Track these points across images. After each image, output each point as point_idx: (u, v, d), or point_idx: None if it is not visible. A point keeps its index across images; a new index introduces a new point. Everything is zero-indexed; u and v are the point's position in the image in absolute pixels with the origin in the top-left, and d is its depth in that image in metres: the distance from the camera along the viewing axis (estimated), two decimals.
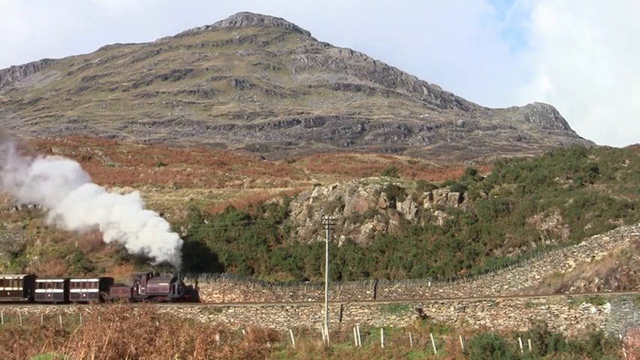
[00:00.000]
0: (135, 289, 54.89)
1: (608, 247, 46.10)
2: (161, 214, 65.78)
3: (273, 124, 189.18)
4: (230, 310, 49.66)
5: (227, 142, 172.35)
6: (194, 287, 56.59)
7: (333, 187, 68.32)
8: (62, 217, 64.27)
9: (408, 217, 62.42)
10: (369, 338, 42.17)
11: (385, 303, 46.99)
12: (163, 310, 47.14)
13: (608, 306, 39.32)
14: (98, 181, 73.90)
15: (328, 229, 49.33)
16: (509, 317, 42.16)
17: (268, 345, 40.03)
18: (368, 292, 52.96)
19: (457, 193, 63.88)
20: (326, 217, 51.23)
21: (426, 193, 64.37)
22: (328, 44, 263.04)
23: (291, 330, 44.45)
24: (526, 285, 48.60)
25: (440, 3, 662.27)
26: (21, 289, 56.44)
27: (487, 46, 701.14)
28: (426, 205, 63.37)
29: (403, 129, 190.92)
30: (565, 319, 40.45)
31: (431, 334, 40.26)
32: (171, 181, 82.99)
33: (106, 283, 56.01)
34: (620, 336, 36.24)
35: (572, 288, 44.51)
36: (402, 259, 57.26)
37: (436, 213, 62.10)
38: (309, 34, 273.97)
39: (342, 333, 43.97)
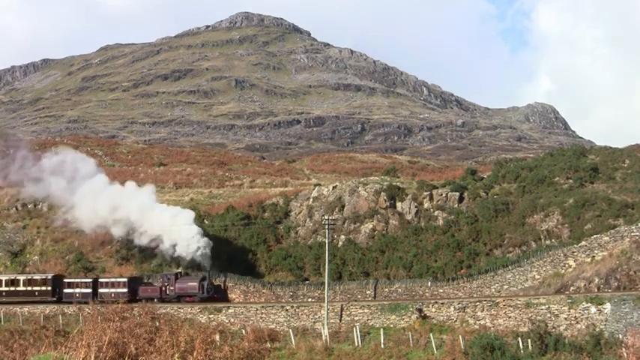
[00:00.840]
0: (163, 288, 54.34)
1: (608, 247, 46.10)
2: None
3: (273, 124, 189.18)
4: (230, 310, 49.67)
5: (227, 142, 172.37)
6: (223, 287, 55.61)
7: (333, 187, 68.32)
8: (77, 214, 63.36)
9: (408, 217, 62.43)
10: (369, 338, 42.17)
11: (385, 303, 46.99)
12: (163, 310, 47.14)
13: (608, 306, 39.33)
14: None
15: (328, 229, 49.34)
16: (509, 317, 42.17)
17: (268, 345, 40.03)
18: (368, 292, 52.95)
19: (457, 193, 63.89)
20: (326, 217, 51.23)
21: (426, 193, 64.37)
22: (328, 44, 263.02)
23: (291, 330, 44.46)
24: (526, 285, 48.59)
25: (441, 3, 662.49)
26: (49, 288, 55.65)
27: (488, 46, 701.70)
28: (426, 205, 63.38)
29: (403, 129, 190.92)
30: (565, 319, 40.45)
31: (431, 334, 40.27)
32: (171, 181, 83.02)
33: (134, 283, 55.28)
34: (620, 336, 36.24)
35: (572, 288, 44.51)
36: (402, 259, 57.27)
37: (436, 213, 62.11)
38: (309, 34, 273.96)
39: (342, 333, 43.97)
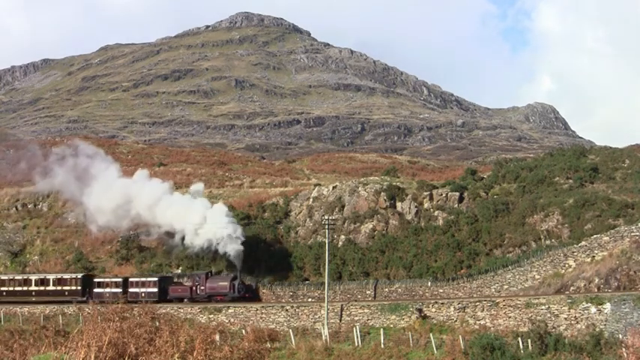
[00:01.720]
0: (194, 288, 53.79)
1: (608, 247, 46.10)
2: None
3: (273, 124, 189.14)
4: (230, 310, 49.68)
5: (227, 142, 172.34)
6: (254, 286, 54.85)
7: (333, 187, 68.32)
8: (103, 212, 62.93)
9: (408, 217, 62.43)
10: (369, 338, 42.19)
11: (385, 303, 47.01)
12: (163, 310, 47.12)
13: (608, 306, 39.33)
14: None
15: (328, 229, 49.35)
16: (509, 317, 42.17)
17: (268, 345, 40.00)
18: (368, 292, 52.97)
19: (457, 193, 63.88)
20: (326, 217, 51.25)
21: (426, 193, 64.37)
22: (328, 44, 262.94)
23: (291, 330, 44.47)
24: (526, 285, 48.60)
25: (441, 3, 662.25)
26: (79, 288, 55.29)
27: (488, 46, 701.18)
28: (426, 205, 63.37)
29: (403, 129, 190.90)
30: (565, 319, 40.46)
31: (431, 334, 40.28)
32: (171, 181, 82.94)
33: (165, 283, 54.86)
34: (620, 336, 36.24)
35: (572, 288, 44.52)
36: (402, 259, 57.28)
37: (436, 213, 62.11)
38: (309, 34, 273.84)
39: (342, 333, 43.99)
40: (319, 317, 46.73)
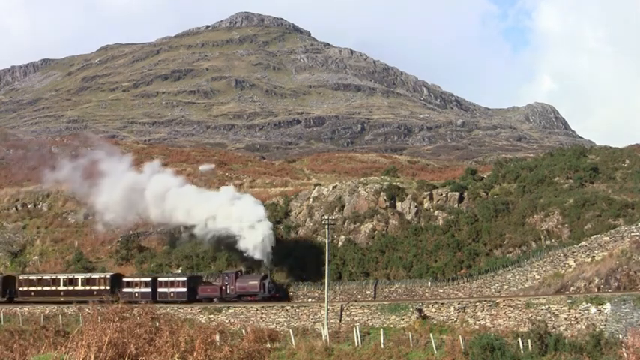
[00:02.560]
0: (224, 287, 53.23)
1: (608, 247, 46.10)
2: None
3: (273, 124, 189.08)
4: (230, 310, 49.69)
5: (227, 142, 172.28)
6: (284, 286, 54.41)
7: (333, 187, 68.33)
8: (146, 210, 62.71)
9: (408, 217, 62.43)
10: (369, 338, 42.19)
11: (385, 303, 47.01)
12: (163, 310, 47.11)
13: (608, 306, 39.33)
14: None
15: (328, 229, 49.34)
16: (509, 317, 42.17)
17: (268, 345, 39.99)
18: (368, 292, 52.97)
19: (457, 193, 63.89)
20: (326, 217, 51.22)
21: (426, 193, 64.37)
22: (328, 44, 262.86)
23: (291, 330, 44.48)
24: (526, 285, 48.60)
25: (442, 3, 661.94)
26: (108, 287, 54.73)
27: (489, 46, 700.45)
28: (426, 205, 63.37)
29: (403, 129, 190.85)
30: (565, 319, 40.46)
31: (431, 334, 40.27)
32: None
33: (194, 282, 54.40)
34: (620, 336, 36.24)
35: (572, 288, 44.51)
36: (402, 259, 57.28)
37: (436, 213, 62.11)
38: (309, 34, 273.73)
39: (342, 333, 43.99)
40: (319, 317, 46.74)
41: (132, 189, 60.96)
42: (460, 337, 38.88)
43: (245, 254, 55.86)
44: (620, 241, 45.67)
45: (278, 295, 52.70)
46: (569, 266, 47.29)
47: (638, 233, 45.24)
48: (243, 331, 42.96)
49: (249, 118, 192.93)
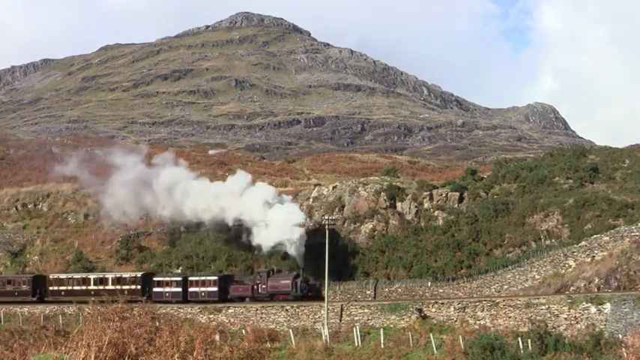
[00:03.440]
0: (255, 287, 52.54)
1: (608, 247, 46.10)
2: None
3: (273, 124, 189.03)
4: (230, 310, 49.70)
5: (227, 142, 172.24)
6: (318, 285, 53.58)
7: (333, 187, 68.34)
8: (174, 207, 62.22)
9: (408, 217, 62.43)
10: (369, 338, 42.20)
11: (385, 303, 47.01)
12: (163, 310, 47.12)
13: (608, 306, 39.33)
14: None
15: (328, 229, 49.32)
16: (509, 317, 42.17)
17: (268, 345, 40.00)
18: (368, 292, 52.97)
19: (457, 193, 63.90)
20: (326, 217, 51.19)
21: (426, 193, 64.38)
22: (328, 44, 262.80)
23: (291, 330, 44.49)
24: (526, 285, 48.60)
25: (443, 3, 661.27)
26: (139, 287, 54.40)
27: (490, 46, 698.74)
28: (426, 205, 63.38)
29: (403, 129, 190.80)
30: (565, 319, 40.46)
31: (431, 334, 40.28)
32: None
33: (225, 282, 53.84)
34: (620, 336, 36.24)
35: (572, 288, 44.52)
36: (402, 259, 57.28)
37: (436, 213, 62.12)
38: (309, 34, 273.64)
39: (342, 333, 44.00)
40: (319, 317, 46.74)
41: (143, 181, 60.89)
42: (460, 337, 38.89)
43: (273, 248, 55.37)
44: (620, 241, 45.68)
45: (311, 294, 51.69)
46: (569, 266, 47.30)
47: (638, 233, 45.24)
48: (243, 331, 42.96)
49: (249, 118, 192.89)
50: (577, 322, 39.99)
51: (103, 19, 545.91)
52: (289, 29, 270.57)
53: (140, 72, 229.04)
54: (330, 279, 54.61)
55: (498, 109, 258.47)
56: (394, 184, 66.58)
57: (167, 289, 54.29)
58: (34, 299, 56.71)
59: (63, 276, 57.91)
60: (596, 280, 44.02)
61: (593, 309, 39.82)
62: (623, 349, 31.43)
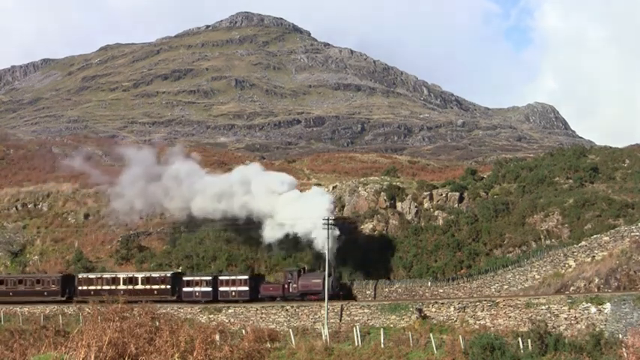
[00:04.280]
0: (286, 286, 51.95)
1: (608, 247, 46.11)
2: None
3: (273, 124, 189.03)
4: (230, 310, 49.70)
5: (227, 141, 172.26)
6: (348, 284, 53.10)
7: (333, 187, 68.35)
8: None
9: (408, 217, 62.44)
10: (369, 338, 42.20)
11: (385, 303, 47.02)
12: (163, 310, 47.15)
13: (608, 306, 39.33)
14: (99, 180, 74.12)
15: (328, 229, 49.28)
16: (509, 317, 42.18)
17: (268, 345, 40.01)
18: (368, 292, 52.96)
19: (457, 193, 63.91)
20: (326, 217, 51.14)
21: (426, 193, 64.38)
22: (328, 44, 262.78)
23: (291, 330, 44.49)
24: (526, 285, 48.61)
25: (443, 3, 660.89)
26: (169, 287, 54.00)
27: (490, 46, 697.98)
28: (426, 205, 63.39)
29: (403, 129, 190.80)
30: (565, 319, 40.46)
31: (431, 334, 40.28)
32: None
33: (256, 281, 53.40)
34: (620, 336, 36.24)
35: (572, 288, 44.52)
36: (402, 259, 57.27)
37: (436, 213, 62.13)
38: (309, 34, 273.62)
39: (342, 333, 44.00)
40: (319, 317, 46.74)
41: (154, 174, 60.99)
42: (460, 337, 38.89)
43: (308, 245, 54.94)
44: (620, 241, 45.68)
45: (342, 293, 51.13)
46: (569, 266, 47.30)
47: (638, 233, 45.25)
48: (243, 331, 42.97)
49: (249, 118, 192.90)
50: (577, 322, 39.99)
51: (103, 19, 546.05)
52: (289, 29, 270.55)
53: (140, 72, 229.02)
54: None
55: (498, 109, 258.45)
56: (394, 184, 66.59)
57: (197, 288, 53.74)
58: (63, 299, 56.41)
59: (92, 275, 57.50)
60: (596, 280, 44.03)
61: (593, 309, 39.82)
62: (623, 349, 31.44)
